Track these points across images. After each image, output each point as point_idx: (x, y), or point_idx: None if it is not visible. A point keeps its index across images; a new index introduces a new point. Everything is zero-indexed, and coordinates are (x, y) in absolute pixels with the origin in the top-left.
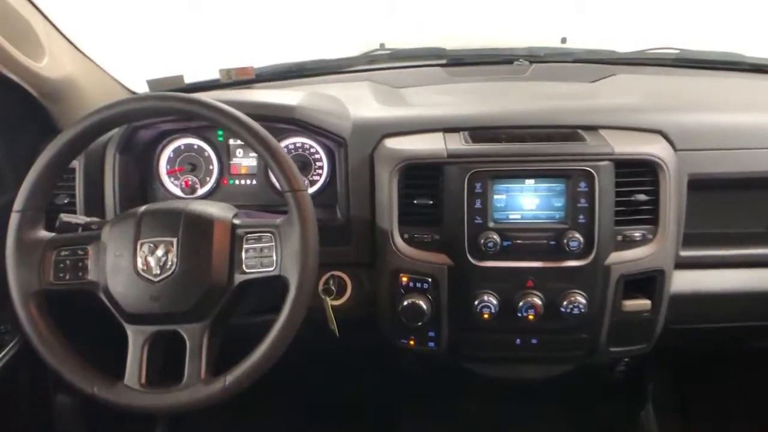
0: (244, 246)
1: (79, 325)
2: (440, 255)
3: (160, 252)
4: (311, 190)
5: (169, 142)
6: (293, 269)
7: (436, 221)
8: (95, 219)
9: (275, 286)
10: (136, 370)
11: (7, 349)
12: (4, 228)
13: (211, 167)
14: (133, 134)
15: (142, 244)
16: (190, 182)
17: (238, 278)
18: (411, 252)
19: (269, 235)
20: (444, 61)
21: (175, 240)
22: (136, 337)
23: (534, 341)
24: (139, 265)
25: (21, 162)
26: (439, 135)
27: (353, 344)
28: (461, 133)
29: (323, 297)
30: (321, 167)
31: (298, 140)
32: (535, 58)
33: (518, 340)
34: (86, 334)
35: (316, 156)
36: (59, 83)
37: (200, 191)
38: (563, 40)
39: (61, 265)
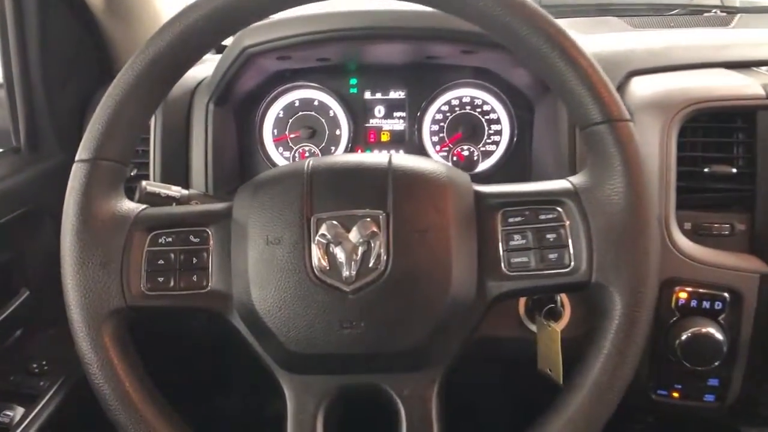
0: (501, 229)
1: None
2: (748, 258)
3: (355, 237)
4: (481, 166)
5: (278, 95)
6: (617, 266)
7: (741, 202)
8: (196, 191)
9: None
10: None
11: (42, 403)
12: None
13: (338, 132)
14: (234, 80)
15: (319, 223)
16: (307, 154)
17: (495, 288)
18: (698, 252)
19: (552, 208)
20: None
21: (381, 216)
22: (302, 398)
23: None
24: (315, 261)
25: (66, 118)
26: (717, 71)
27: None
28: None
29: (544, 322)
30: (498, 132)
31: (466, 93)
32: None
33: None
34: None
35: (492, 117)
36: None
37: None
38: None
39: (161, 263)
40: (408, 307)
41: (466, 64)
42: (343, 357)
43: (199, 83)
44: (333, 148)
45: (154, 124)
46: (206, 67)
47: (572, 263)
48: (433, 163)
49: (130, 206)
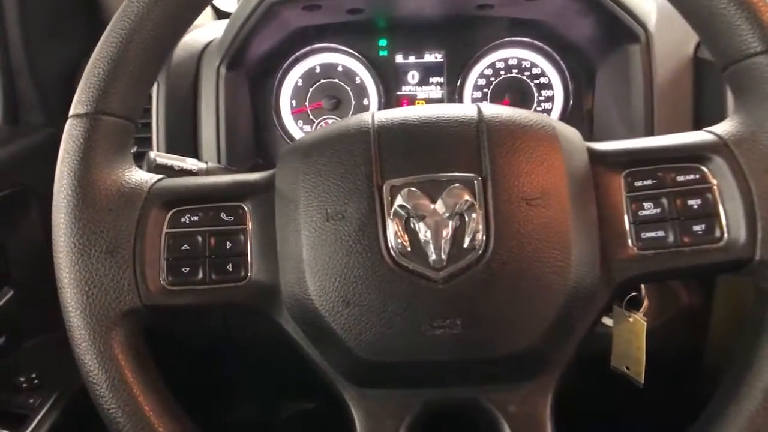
0: (626, 195)
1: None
2: None
3: (443, 208)
4: None
5: (297, 60)
6: None
7: None
8: (215, 165)
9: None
10: None
11: (33, 425)
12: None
13: (365, 102)
14: (251, 38)
15: (394, 191)
16: None
17: (621, 271)
18: None
19: (694, 166)
20: None
21: (476, 181)
22: (377, 420)
23: None
24: (392, 240)
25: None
26: None
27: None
28: None
29: (625, 313)
30: (549, 99)
31: (512, 54)
32: None
33: None
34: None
35: (542, 81)
36: None
37: None
38: None
39: (185, 249)
40: (517, 298)
41: (517, 15)
42: (431, 365)
43: (207, 45)
44: None
45: (156, 91)
46: (210, 31)
47: (726, 236)
48: (534, 113)
49: (142, 176)
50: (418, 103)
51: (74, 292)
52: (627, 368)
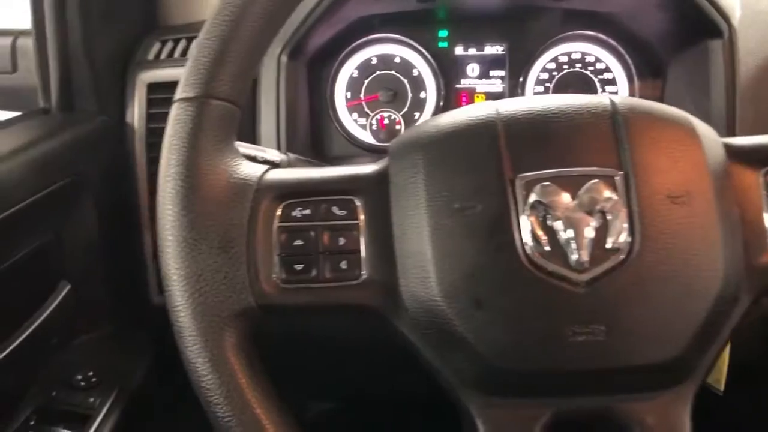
0: (765, 195)
1: None
2: None
3: (583, 206)
4: None
5: (353, 51)
6: None
7: None
8: (296, 156)
9: None
10: None
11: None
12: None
13: (423, 95)
14: (316, 25)
15: (528, 186)
16: (387, 121)
17: (765, 272)
18: None
19: None
20: None
21: (618, 176)
22: (504, 430)
23: None
24: (528, 239)
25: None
26: None
27: None
28: None
29: None
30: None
31: (576, 48)
32: None
33: None
34: None
35: (606, 76)
36: None
37: None
38: None
39: (298, 244)
40: (665, 303)
41: (593, 8)
42: (569, 373)
43: None
44: (417, 113)
45: None
46: None
47: None
48: (668, 106)
49: (250, 166)
50: (478, 96)
51: (185, 290)
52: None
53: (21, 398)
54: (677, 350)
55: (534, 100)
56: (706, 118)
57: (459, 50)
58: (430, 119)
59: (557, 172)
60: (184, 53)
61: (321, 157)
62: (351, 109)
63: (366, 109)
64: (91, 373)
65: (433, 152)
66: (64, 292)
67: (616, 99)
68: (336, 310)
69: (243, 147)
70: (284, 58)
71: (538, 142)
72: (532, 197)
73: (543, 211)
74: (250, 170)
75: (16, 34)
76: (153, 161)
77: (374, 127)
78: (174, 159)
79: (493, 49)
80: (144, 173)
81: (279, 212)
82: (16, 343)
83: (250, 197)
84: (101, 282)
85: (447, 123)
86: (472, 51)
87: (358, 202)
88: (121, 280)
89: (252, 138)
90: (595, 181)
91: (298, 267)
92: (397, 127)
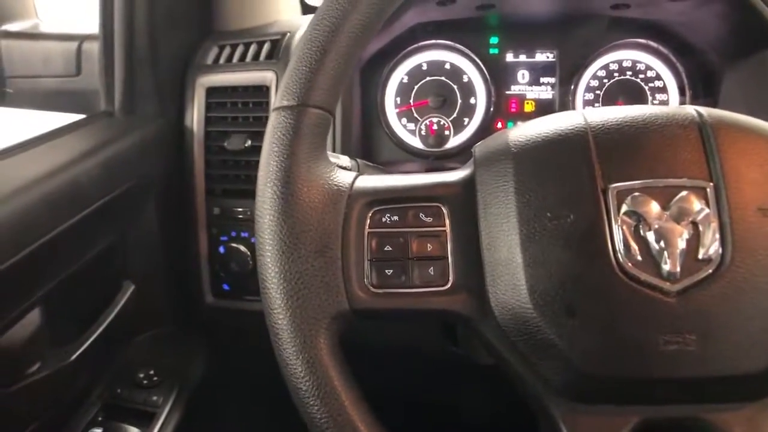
0: None
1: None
2: None
3: (675, 216)
4: None
5: (404, 57)
6: None
7: None
8: (364, 162)
9: None
10: None
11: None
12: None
13: (472, 101)
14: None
15: (620, 196)
16: (437, 127)
17: None
18: None
19: None
20: None
21: (709, 188)
22: None
23: None
24: (621, 248)
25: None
26: None
27: None
28: None
29: None
30: (664, 103)
31: (626, 56)
32: None
33: None
34: None
35: (657, 84)
36: None
37: (451, 143)
38: None
39: (388, 250)
40: (756, 314)
41: (650, 17)
42: (659, 381)
43: None
44: (466, 119)
45: (274, 85)
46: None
47: None
48: (754, 119)
49: (342, 173)
50: (528, 103)
51: (282, 292)
52: None
53: (89, 395)
54: (767, 362)
55: (620, 111)
56: None
57: (510, 57)
58: (515, 127)
59: (648, 182)
60: (242, 58)
61: (371, 162)
62: (400, 115)
63: (415, 115)
64: (152, 372)
65: (523, 161)
66: (129, 292)
67: (703, 110)
68: (425, 315)
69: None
70: None
71: (629, 152)
72: (624, 207)
73: (635, 221)
74: (343, 177)
75: (82, 38)
76: (210, 164)
77: (423, 133)
78: (274, 165)
79: (544, 56)
80: (201, 175)
81: (369, 218)
82: (88, 342)
83: (344, 203)
84: (161, 282)
85: (536, 132)
86: (523, 58)
87: (444, 209)
88: (178, 281)
89: None
90: (686, 192)
91: (389, 272)
92: (446, 132)
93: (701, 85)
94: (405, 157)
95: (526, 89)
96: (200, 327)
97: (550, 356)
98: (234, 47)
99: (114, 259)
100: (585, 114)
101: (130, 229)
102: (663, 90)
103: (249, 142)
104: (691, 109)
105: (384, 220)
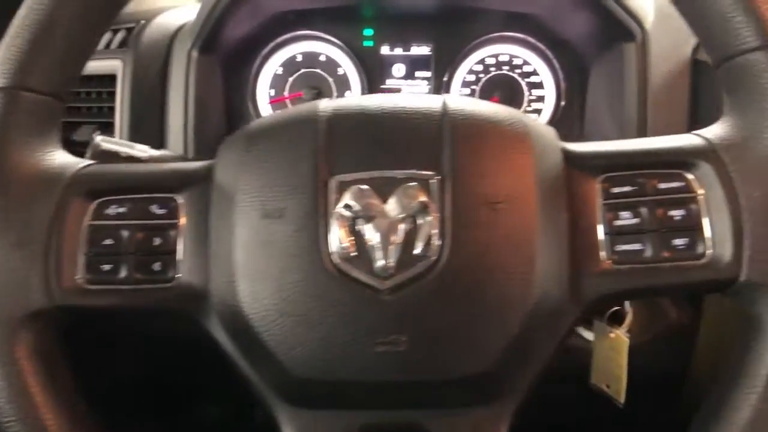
0: (603, 203)
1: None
2: None
3: (394, 209)
4: None
5: (277, 47)
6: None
7: None
8: (169, 152)
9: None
10: None
11: None
12: None
13: (348, 93)
14: (224, 19)
15: (341, 188)
16: None
17: (592, 286)
18: None
19: (678, 173)
20: None
21: (434, 180)
22: None
23: None
24: (334, 244)
25: None
26: None
27: None
28: None
29: (607, 329)
30: (540, 98)
31: (503, 51)
32: None
33: None
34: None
35: (534, 79)
36: None
37: None
38: None
39: (108, 243)
40: (472, 314)
41: (511, 8)
42: (373, 386)
43: (181, 27)
44: None
45: (122, 74)
46: (188, 13)
47: (709, 252)
48: (504, 108)
49: (66, 160)
50: None
51: None
52: (607, 386)
53: None
54: (486, 364)
55: (368, 99)
56: (621, 121)
57: (385, 49)
58: (264, 117)
59: (374, 174)
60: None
61: None
62: (275, 107)
63: (289, 107)
64: None
65: (253, 150)
66: None
67: (450, 100)
68: (145, 312)
69: (107, 142)
70: (195, 53)
71: (361, 143)
72: (344, 200)
73: (353, 215)
74: (63, 164)
75: None
76: None
77: None
78: None
79: (419, 50)
80: None
81: (91, 209)
82: None
83: (58, 192)
84: None
85: (274, 119)
86: (398, 51)
87: (180, 201)
88: None
89: (159, 135)
90: (412, 184)
91: (106, 267)
92: None
93: (576, 79)
94: None
95: (402, 83)
96: None
97: (264, 357)
98: None
99: None
100: (330, 101)
101: None
102: (539, 85)
103: (98, 133)
104: (438, 99)
105: (108, 212)
